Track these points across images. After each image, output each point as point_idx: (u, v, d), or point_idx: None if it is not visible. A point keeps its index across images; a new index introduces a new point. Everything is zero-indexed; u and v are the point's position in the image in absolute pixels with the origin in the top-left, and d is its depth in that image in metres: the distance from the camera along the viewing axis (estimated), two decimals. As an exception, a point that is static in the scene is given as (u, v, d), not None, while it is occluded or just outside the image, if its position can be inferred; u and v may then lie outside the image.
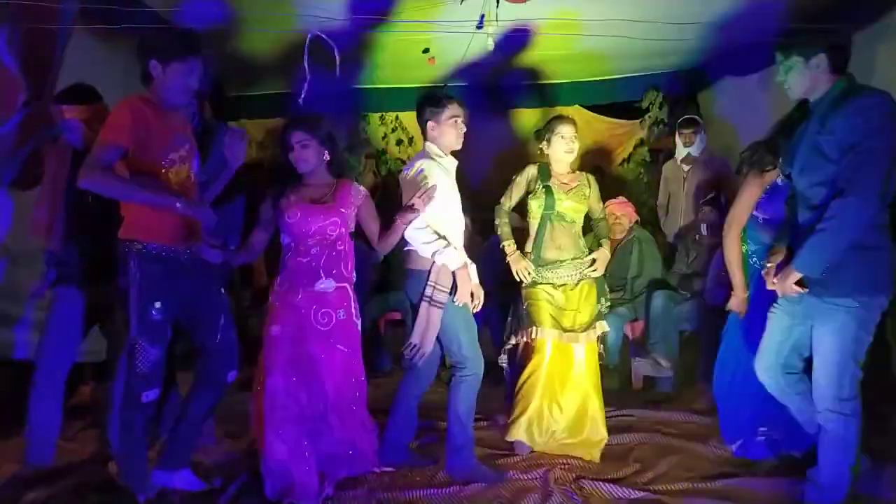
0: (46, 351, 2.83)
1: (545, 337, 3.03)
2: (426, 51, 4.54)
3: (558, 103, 5.70)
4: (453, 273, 2.70)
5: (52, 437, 2.89)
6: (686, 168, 4.67)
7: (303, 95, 2.69)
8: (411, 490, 2.67)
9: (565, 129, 3.08)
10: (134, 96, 2.40)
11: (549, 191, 3.05)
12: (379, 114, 5.90)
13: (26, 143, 3.06)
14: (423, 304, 2.69)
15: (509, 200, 3.19)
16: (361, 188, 2.80)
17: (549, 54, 4.85)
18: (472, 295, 2.74)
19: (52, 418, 2.87)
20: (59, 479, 2.77)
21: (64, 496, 2.63)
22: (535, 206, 3.10)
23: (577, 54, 4.83)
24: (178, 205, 2.33)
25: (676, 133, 4.68)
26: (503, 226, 3.16)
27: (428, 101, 2.80)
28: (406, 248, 2.80)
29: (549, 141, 3.12)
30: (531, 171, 3.15)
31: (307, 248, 2.65)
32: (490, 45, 3.89)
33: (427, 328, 2.70)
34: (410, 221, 2.68)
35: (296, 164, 2.67)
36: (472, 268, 2.79)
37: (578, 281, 3.11)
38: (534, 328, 3.04)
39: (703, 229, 4.19)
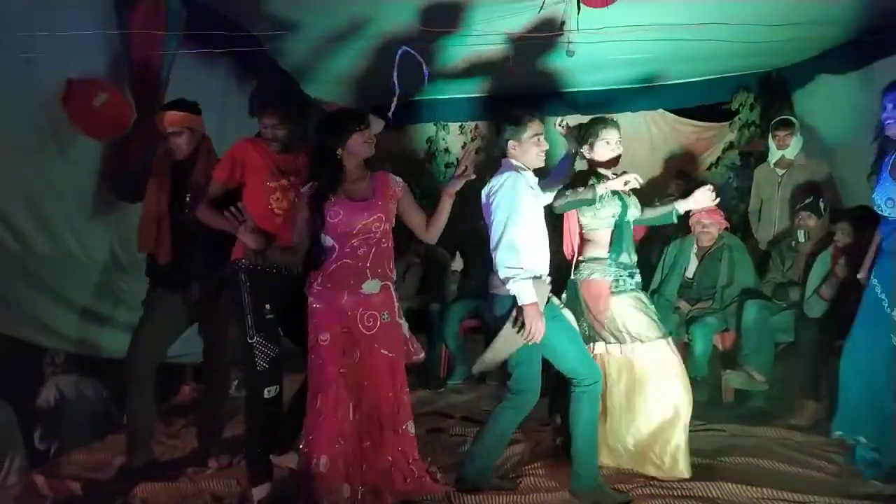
0: (136, 351, 3.01)
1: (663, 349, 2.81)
2: (506, 59, 4.56)
3: (639, 107, 5.59)
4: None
5: (147, 433, 3.07)
6: (781, 172, 4.46)
7: (392, 109, 2.73)
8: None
9: (609, 135, 2.86)
10: (243, 139, 2.81)
11: (620, 197, 2.84)
12: (458, 123, 5.97)
13: (135, 159, 3.32)
14: (507, 326, 2.53)
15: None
16: (399, 179, 2.68)
17: (630, 58, 4.77)
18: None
19: (148, 414, 3.06)
20: (162, 473, 2.96)
21: (175, 490, 2.81)
22: (606, 214, 2.83)
23: (659, 57, 4.72)
24: (239, 230, 2.53)
25: (770, 135, 4.48)
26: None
27: (508, 120, 2.67)
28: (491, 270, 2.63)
29: (591, 145, 2.89)
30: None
31: (353, 248, 2.53)
32: (571, 51, 3.87)
33: (502, 350, 2.58)
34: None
35: (362, 148, 2.56)
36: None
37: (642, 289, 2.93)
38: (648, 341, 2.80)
39: (801, 235, 3.98)
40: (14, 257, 2.97)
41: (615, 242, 2.82)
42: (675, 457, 2.77)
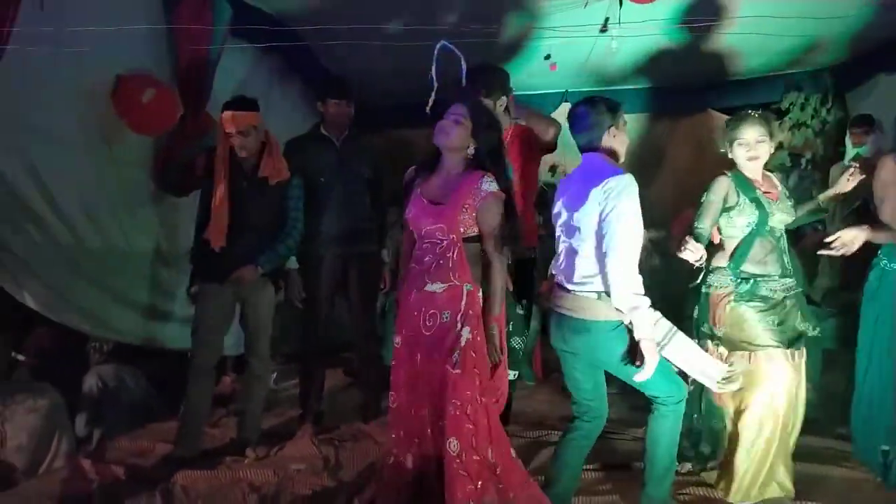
0: (199, 347, 3.10)
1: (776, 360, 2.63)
2: (548, 57, 4.51)
3: (685, 107, 5.46)
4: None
5: (200, 424, 3.16)
6: None
7: (430, 105, 2.69)
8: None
9: (745, 134, 2.66)
10: None
11: (759, 204, 2.63)
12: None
13: (181, 154, 3.39)
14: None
15: (704, 223, 2.69)
16: (488, 187, 2.33)
17: (675, 55, 4.66)
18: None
19: (203, 407, 3.14)
20: (204, 461, 3.02)
21: (213, 478, 2.86)
22: (741, 224, 2.66)
23: (705, 54, 4.61)
24: None
25: (848, 132, 4.32)
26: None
27: (608, 106, 2.38)
28: (582, 290, 2.30)
29: (730, 145, 2.72)
30: (724, 183, 2.71)
31: (422, 252, 2.39)
32: (614, 47, 3.81)
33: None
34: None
35: (435, 135, 2.36)
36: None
37: (783, 298, 2.68)
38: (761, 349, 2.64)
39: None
40: (66, 249, 3.06)
41: (739, 251, 2.67)
42: (743, 481, 2.64)
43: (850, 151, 4.26)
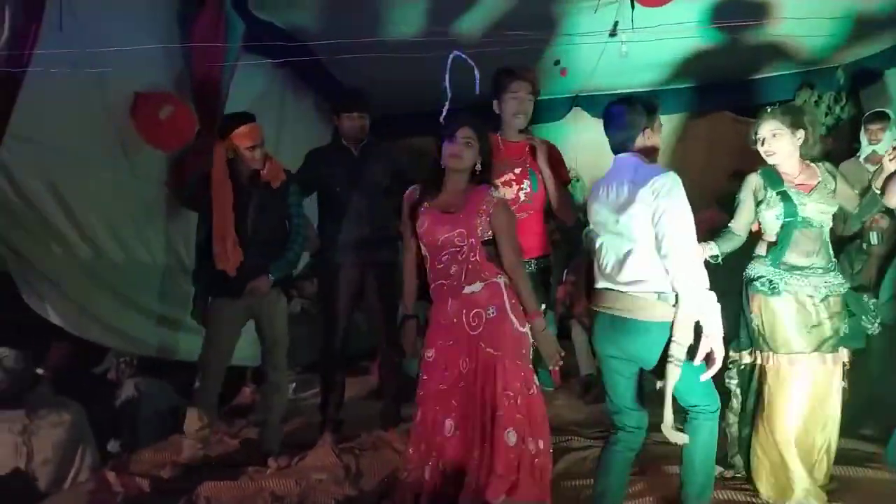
0: (208, 365, 3.14)
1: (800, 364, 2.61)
2: (557, 62, 4.52)
3: (698, 107, 5.45)
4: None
5: (201, 435, 3.17)
6: (872, 168, 4.23)
7: (443, 115, 2.71)
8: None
9: (759, 130, 2.69)
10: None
11: (785, 196, 2.64)
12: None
13: (198, 168, 3.43)
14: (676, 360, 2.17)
15: (737, 221, 2.75)
16: (497, 192, 2.49)
17: (686, 56, 4.66)
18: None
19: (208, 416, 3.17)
20: (227, 472, 3.05)
21: (236, 489, 2.89)
22: (771, 218, 2.67)
23: (718, 55, 4.60)
24: None
25: (862, 129, 4.28)
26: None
27: (646, 106, 2.36)
28: (638, 291, 2.22)
29: (754, 144, 2.73)
30: (754, 180, 2.74)
31: (445, 265, 2.44)
32: (625, 51, 3.81)
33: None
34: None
35: (447, 160, 2.43)
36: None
37: (826, 296, 2.64)
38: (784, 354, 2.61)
39: (874, 238, 3.78)
40: (88, 263, 3.11)
41: (778, 243, 2.65)
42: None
43: (866, 148, 4.21)
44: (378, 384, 3.76)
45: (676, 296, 2.15)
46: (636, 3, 3.45)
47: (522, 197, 2.80)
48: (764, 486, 2.66)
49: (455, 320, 2.42)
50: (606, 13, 3.67)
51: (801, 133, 2.67)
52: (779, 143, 2.67)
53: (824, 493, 2.60)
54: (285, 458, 3.20)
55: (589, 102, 5.51)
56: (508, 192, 2.74)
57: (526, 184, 2.80)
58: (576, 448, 3.23)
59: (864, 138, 4.22)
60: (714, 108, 5.51)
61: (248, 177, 3.10)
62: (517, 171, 2.80)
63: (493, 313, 2.37)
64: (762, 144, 2.70)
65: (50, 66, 2.47)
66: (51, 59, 2.48)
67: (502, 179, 2.74)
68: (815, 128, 2.76)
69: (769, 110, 2.75)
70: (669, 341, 2.15)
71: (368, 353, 4.32)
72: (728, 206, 2.91)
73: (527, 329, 2.42)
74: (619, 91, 5.31)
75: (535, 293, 2.54)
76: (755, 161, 5.39)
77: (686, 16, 3.69)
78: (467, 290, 2.40)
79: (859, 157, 4.30)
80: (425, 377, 2.46)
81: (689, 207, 2.16)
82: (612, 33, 3.82)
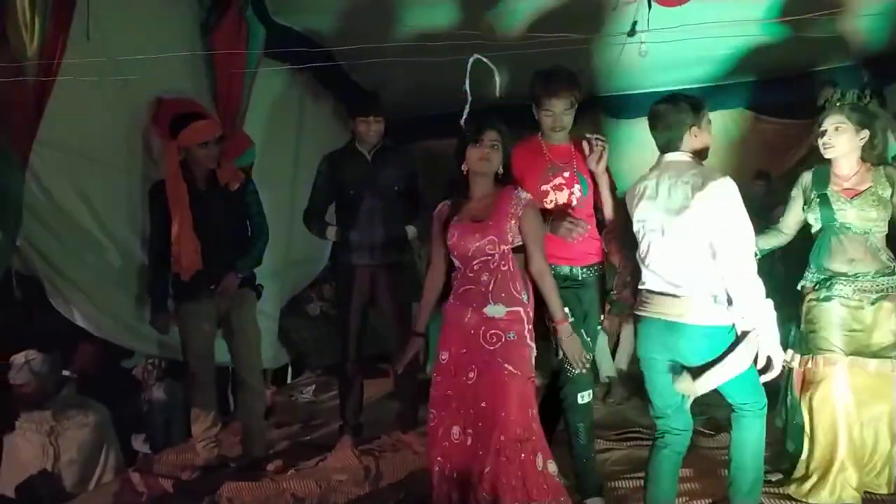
0: (193, 365, 3.17)
1: (835, 365, 2.57)
2: (639, 41, 4.47)
3: (718, 106, 5.39)
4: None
5: (209, 434, 3.22)
6: None
7: (464, 117, 2.71)
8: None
9: (828, 120, 2.62)
10: (519, 143, 2.61)
11: (824, 200, 2.58)
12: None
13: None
14: (735, 364, 2.17)
15: (786, 219, 2.75)
16: (524, 194, 2.41)
17: (705, 56, 4.62)
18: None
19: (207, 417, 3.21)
20: (248, 473, 3.10)
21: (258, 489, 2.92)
22: (812, 220, 2.65)
23: (738, 54, 4.56)
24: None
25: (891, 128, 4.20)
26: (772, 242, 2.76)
27: (690, 104, 2.30)
28: (694, 294, 2.19)
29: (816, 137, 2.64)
30: (805, 178, 2.70)
31: (476, 273, 2.38)
32: (644, 51, 3.79)
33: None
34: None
35: (476, 164, 2.39)
36: None
37: (875, 300, 2.57)
38: (820, 354, 2.60)
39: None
40: (115, 268, 3.16)
41: (817, 248, 2.65)
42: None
43: (893, 147, 4.15)
44: (395, 386, 3.76)
45: (729, 299, 2.14)
46: (653, 3, 3.43)
47: (575, 202, 2.64)
48: (807, 485, 2.62)
49: (472, 332, 2.39)
50: (626, 13, 3.65)
51: (864, 133, 2.61)
52: (839, 137, 2.60)
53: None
54: (279, 463, 3.23)
55: (607, 103, 5.50)
56: (561, 197, 2.62)
57: (576, 188, 2.64)
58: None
59: (891, 138, 4.14)
60: (734, 107, 5.44)
61: (205, 180, 3.11)
62: (566, 174, 2.64)
63: (513, 337, 2.35)
64: (822, 136, 2.62)
65: (78, 75, 2.52)
66: (78, 66, 2.54)
67: (553, 184, 2.63)
68: (885, 134, 2.71)
69: (837, 103, 2.69)
70: (728, 350, 2.14)
71: (386, 355, 4.32)
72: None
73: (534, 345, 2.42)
74: (639, 91, 5.32)
75: (596, 302, 2.61)
76: (780, 161, 5.31)
77: (700, 15, 3.66)
78: (489, 311, 2.36)
79: (887, 156, 4.21)
80: (438, 378, 2.46)
81: (746, 214, 2.15)
82: (631, 33, 3.80)
